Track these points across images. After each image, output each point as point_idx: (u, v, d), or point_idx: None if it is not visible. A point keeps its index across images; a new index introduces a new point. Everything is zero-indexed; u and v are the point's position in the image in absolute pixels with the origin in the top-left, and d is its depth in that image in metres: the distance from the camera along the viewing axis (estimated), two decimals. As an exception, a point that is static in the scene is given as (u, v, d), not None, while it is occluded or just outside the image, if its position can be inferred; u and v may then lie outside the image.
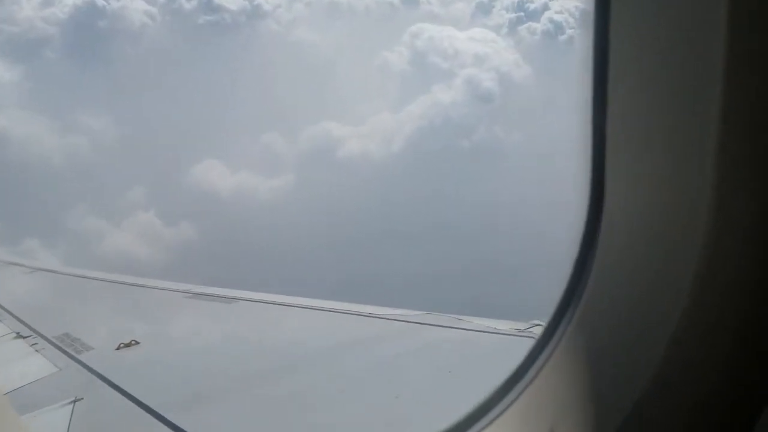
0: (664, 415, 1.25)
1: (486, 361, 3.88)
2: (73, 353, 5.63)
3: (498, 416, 1.49)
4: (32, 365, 5.53)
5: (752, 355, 1.19)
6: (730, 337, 1.19)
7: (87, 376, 4.94)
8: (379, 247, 74.52)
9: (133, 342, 5.65)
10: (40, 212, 77.44)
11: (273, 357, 5.03)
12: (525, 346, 1.55)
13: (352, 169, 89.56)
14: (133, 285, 9.13)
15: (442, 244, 71.69)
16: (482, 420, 1.51)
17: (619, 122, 1.24)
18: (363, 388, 4.04)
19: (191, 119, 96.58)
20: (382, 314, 5.70)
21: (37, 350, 5.98)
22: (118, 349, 5.57)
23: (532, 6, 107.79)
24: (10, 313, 7.63)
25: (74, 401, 4.33)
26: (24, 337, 6.50)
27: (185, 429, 3.58)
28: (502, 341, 4.35)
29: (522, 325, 4.51)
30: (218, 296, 7.52)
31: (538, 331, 4.14)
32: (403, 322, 5.35)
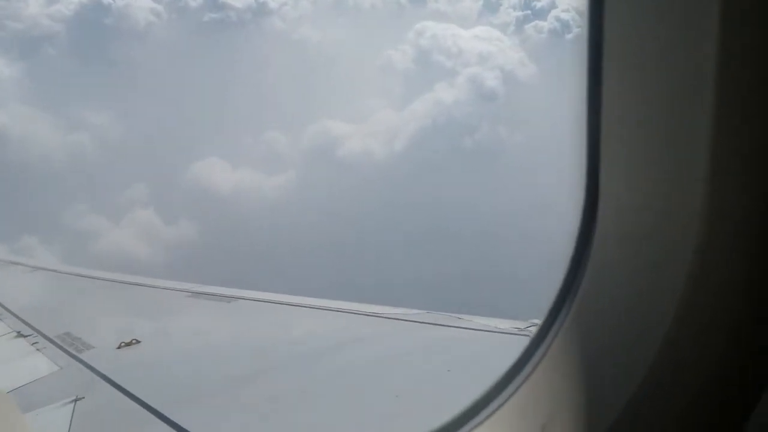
0: (656, 414, 1.26)
1: (485, 360, 3.89)
2: (74, 352, 5.64)
3: (492, 413, 1.50)
4: (33, 364, 5.54)
5: (744, 356, 1.19)
6: (723, 337, 1.20)
7: (88, 375, 4.95)
8: (380, 245, 74.49)
9: (134, 341, 5.66)
10: (39, 209, 77.44)
11: (273, 356, 5.04)
12: (524, 345, 1.56)
13: (353, 168, 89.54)
14: (133, 284, 9.14)
15: (443, 242, 71.64)
16: (477, 417, 1.52)
17: (614, 122, 1.25)
18: (363, 387, 4.05)
19: (194, 117, 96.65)
20: (382, 313, 5.71)
21: (38, 349, 6.00)
22: (119, 348, 5.58)
23: (539, 4, 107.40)
24: (11, 312, 7.64)
25: (75, 400, 4.34)
26: (25, 336, 6.51)
27: (186, 428, 3.59)
28: (501, 340, 4.36)
29: (521, 324, 4.52)
30: (218, 295, 7.53)
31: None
32: (402, 321, 5.36)
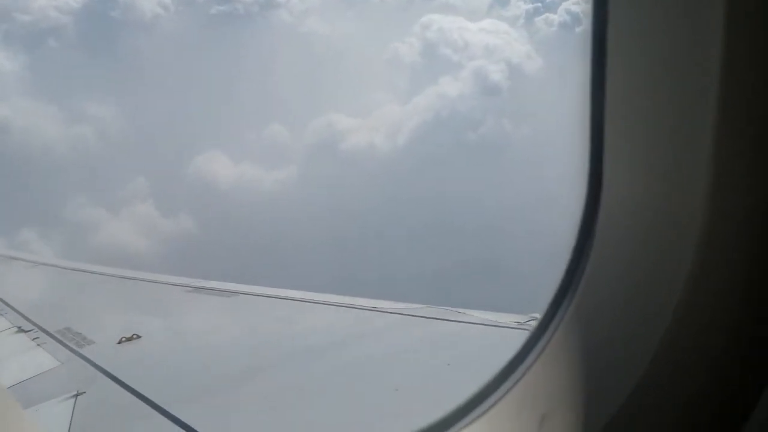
0: (655, 409, 1.25)
1: (485, 354, 3.89)
2: (74, 347, 5.65)
3: (492, 406, 1.50)
4: (34, 359, 5.55)
5: (744, 353, 1.19)
6: (723, 334, 1.19)
7: (89, 370, 4.96)
8: (381, 240, 74.55)
9: (134, 336, 5.67)
10: (38, 202, 77.55)
11: (273, 350, 5.05)
12: (524, 338, 1.56)
13: (356, 162, 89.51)
14: (134, 279, 9.15)
15: (444, 237, 71.67)
16: (476, 410, 1.52)
17: (617, 119, 1.24)
18: (363, 381, 4.06)
19: (199, 110, 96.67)
20: (383, 307, 5.72)
21: (38, 344, 6.01)
22: (119, 343, 5.59)
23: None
24: (12, 308, 7.65)
25: (76, 395, 4.35)
26: (26, 332, 6.52)
27: (187, 422, 3.59)
28: (501, 334, 4.36)
29: (521, 318, 4.52)
30: (219, 290, 7.54)
31: (537, 324, 4.14)
32: (403, 316, 5.36)
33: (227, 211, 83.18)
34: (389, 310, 5.60)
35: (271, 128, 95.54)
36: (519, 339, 1.56)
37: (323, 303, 6.36)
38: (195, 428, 3.51)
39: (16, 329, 6.69)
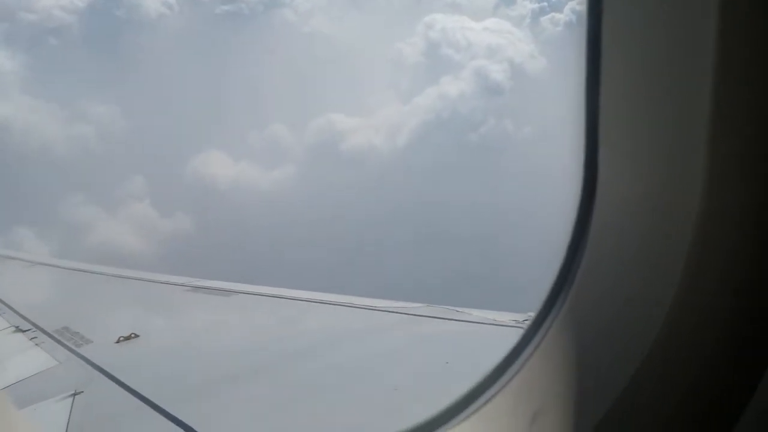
0: (648, 407, 1.26)
1: (484, 352, 3.89)
2: (72, 347, 5.65)
3: (485, 404, 1.50)
4: (32, 359, 5.54)
5: (737, 352, 1.19)
6: (717, 332, 1.19)
7: (87, 370, 4.95)
8: (379, 239, 74.56)
9: (132, 335, 5.66)
10: (35, 201, 77.47)
11: (272, 349, 5.04)
12: (519, 336, 1.57)
13: (356, 163, 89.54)
14: (131, 278, 9.14)
15: (444, 237, 71.68)
16: (470, 407, 1.52)
17: (612, 117, 1.25)
18: (361, 380, 4.05)
19: (201, 110, 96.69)
20: (381, 306, 5.72)
21: (36, 344, 6.00)
22: (117, 342, 5.58)
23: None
24: (10, 307, 7.64)
25: (74, 394, 4.35)
26: (23, 331, 6.51)
27: (185, 421, 3.59)
28: (499, 332, 4.37)
29: (519, 317, 4.53)
30: (217, 289, 7.53)
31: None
32: (401, 314, 5.37)
33: (227, 211, 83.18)
34: (388, 309, 5.60)
35: (273, 128, 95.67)
36: (517, 338, 1.57)
37: (322, 302, 6.35)
38: (194, 427, 3.51)
39: (14, 329, 6.68)
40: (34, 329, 6.49)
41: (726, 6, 1.00)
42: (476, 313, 4.99)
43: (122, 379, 4.53)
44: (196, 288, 7.76)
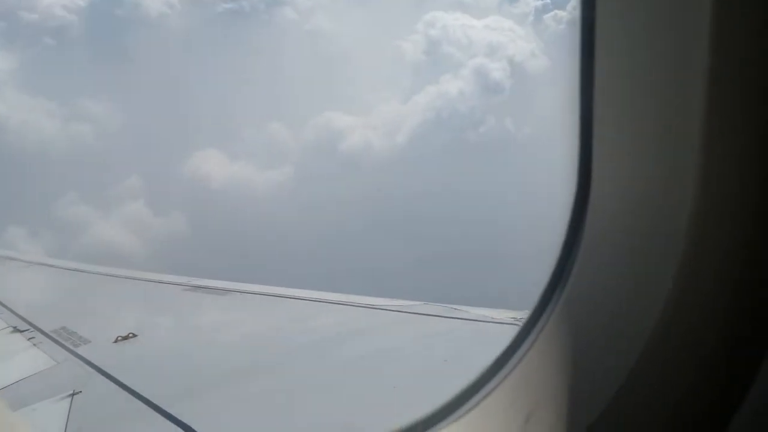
0: (643, 406, 1.26)
1: (482, 350, 3.89)
2: (70, 347, 5.64)
3: (479, 402, 1.50)
4: (30, 359, 5.53)
5: (731, 352, 1.19)
6: (711, 331, 1.20)
7: (85, 370, 4.95)
8: (378, 238, 74.51)
9: (130, 335, 5.65)
10: (29, 200, 77.29)
11: (270, 348, 5.04)
12: (513, 334, 1.57)
13: (355, 161, 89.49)
14: (129, 278, 9.12)
15: (443, 237, 71.63)
16: (464, 406, 1.52)
17: (606, 115, 1.25)
18: (360, 378, 4.06)
19: (202, 109, 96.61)
20: (379, 305, 5.72)
21: (34, 344, 5.98)
22: (115, 342, 5.57)
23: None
24: (7, 308, 7.62)
25: (72, 394, 4.34)
26: (21, 331, 6.49)
27: (184, 421, 3.59)
28: (498, 330, 4.37)
29: (517, 314, 4.53)
30: (215, 288, 7.53)
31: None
32: (400, 313, 5.37)
33: (224, 209, 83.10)
34: (386, 308, 5.61)
35: (271, 126, 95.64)
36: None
37: (320, 301, 6.36)
38: (192, 427, 3.51)
39: (11, 329, 6.67)
40: (32, 329, 6.48)
41: (719, 5, 1.01)
42: (474, 311, 4.99)
43: (120, 378, 4.52)
44: (194, 287, 7.75)
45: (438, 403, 1.57)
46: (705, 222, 1.12)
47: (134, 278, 9.06)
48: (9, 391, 4.74)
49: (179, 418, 3.63)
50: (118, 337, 5.62)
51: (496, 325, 4.50)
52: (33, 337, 6.20)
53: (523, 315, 4.48)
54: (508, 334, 1.56)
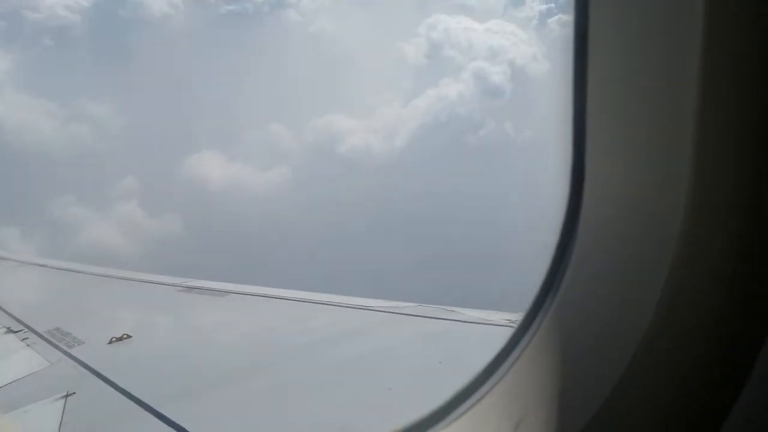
0: (635, 409, 1.26)
1: (477, 352, 3.90)
2: (64, 348, 5.62)
3: (472, 406, 1.50)
4: (24, 360, 5.51)
5: (724, 352, 1.20)
6: (704, 332, 1.20)
7: (79, 371, 4.93)
8: (375, 240, 74.44)
9: (125, 336, 5.64)
10: (25, 200, 76.95)
11: (264, 349, 5.04)
12: (506, 338, 1.57)
13: (353, 164, 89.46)
14: (123, 279, 9.09)
15: (442, 238, 71.59)
16: (456, 410, 1.52)
17: (600, 117, 1.25)
18: (354, 380, 4.06)
19: (203, 110, 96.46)
20: (374, 306, 5.72)
21: (28, 345, 5.96)
22: (110, 343, 5.56)
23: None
24: (0, 308, 7.58)
25: (66, 396, 4.33)
26: (15, 332, 6.46)
27: (178, 422, 3.59)
28: (493, 332, 4.38)
29: (512, 316, 4.54)
30: (210, 289, 7.52)
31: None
32: (395, 314, 5.37)
33: (222, 210, 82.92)
34: (381, 309, 5.61)
35: (271, 128, 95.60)
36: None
37: (314, 302, 6.35)
38: (186, 428, 3.50)
39: (4, 330, 6.63)
40: (26, 330, 6.45)
41: (712, 12, 1.01)
42: (469, 313, 5.00)
43: (115, 380, 4.51)
44: (189, 288, 7.73)
45: (431, 407, 1.57)
46: (698, 229, 1.13)
47: (129, 279, 9.03)
48: (2, 392, 4.71)
49: (174, 419, 3.63)
50: (112, 338, 5.61)
51: (491, 327, 4.52)
52: (27, 338, 6.17)
53: (518, 317, 4.50)
54: (503, 336, 1.56)
